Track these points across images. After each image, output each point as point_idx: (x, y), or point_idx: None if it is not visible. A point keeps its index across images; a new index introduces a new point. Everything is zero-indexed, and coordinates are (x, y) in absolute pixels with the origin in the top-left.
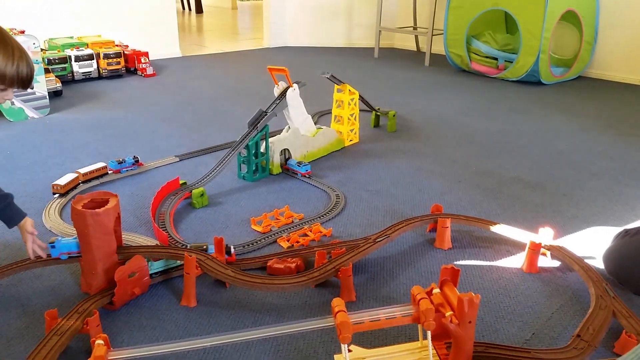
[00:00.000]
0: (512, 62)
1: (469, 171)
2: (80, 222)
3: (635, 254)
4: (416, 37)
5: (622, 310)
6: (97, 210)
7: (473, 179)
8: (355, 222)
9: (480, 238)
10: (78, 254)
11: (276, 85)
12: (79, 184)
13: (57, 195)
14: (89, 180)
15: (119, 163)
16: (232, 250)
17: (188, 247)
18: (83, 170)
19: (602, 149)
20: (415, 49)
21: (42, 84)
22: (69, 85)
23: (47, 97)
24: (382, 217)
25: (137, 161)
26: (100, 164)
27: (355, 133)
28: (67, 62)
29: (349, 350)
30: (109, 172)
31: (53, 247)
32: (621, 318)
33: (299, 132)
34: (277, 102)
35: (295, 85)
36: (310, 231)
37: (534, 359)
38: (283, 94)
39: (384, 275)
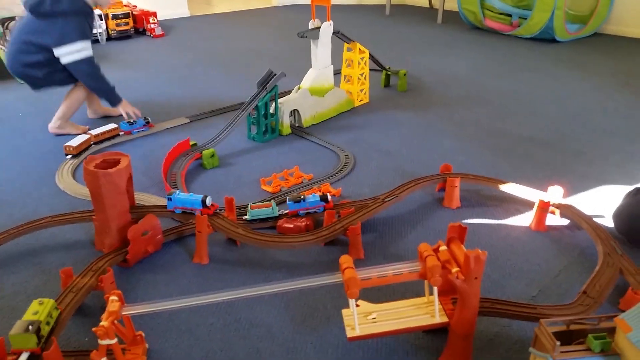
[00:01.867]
0: (526, 18)
1: (480, 130)
2: (93, 182)
3: None
4: None
5: (629, 267)
6: (109, 170)
7: (484, 138)
8: (365, 182)
9: (489, 197)
10: (191, 211)
11: (312, 20)
12: (91, 145)
13: (69, 156)
14: (101, 142)
15: (130, 124)
16: (208, 202)
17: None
18: (95, 132)
19: (616, 107)
20: (428, 6)
21: None
22: None
23: None
24: (391, 177)
25: (148, 122)
26: (112, 125)
27: (365, 93)
28: None
29: (357, 305)
30: (120, 133)
31: (170, 199)
32: (628, 275)
33: (308, 93)
34: (304, 34)
35: (331, 22)
36: (320, 191)
37: (540, 314)
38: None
39: (393, 233)
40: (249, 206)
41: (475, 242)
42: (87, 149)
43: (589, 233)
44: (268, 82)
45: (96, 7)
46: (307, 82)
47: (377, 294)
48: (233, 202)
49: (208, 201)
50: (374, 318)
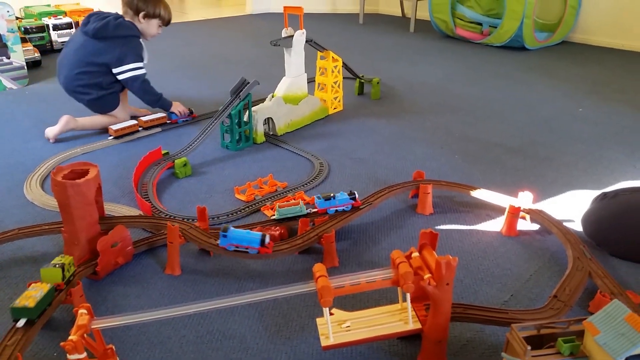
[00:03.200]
0: (496, 27)
1: (452, 137)
2: (61, 193)
3: (613, 216)
4: (401, 2)
5: (597, 271)
6: (77, 180)
7: (455, 144)
8: (339, 190)
9: (461, 203)
10: (245, 250)
11: (285, 29)
12: (137, 130)
13: (111, 137)
14: (149, 128)
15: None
16: (267, 241)
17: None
18: (145, 118)
19: (585, 113)
20: (401, 15)
21: (20, 54)
22: (47, 55)
23: (25, 67)
24: (365, 185)
25: (192, 112)
26: (160, 114)
27: (339, 101)
28: (45, 31)
29: (331, 314)
30: (168, 121)
31: (225, 236)
32: (597, 278)
33: (282, 101)
34: (277, 42)
35: (304, 30)
36: (294, 199)
37: (511, 319)
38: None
39: (367, 241)
40: (277, 205)
41: (448, 248)
42: (131, 133)
43: (558, 237)
44: (241, 90)
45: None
46: (280, 90)
47: (352, 301)
48: (205, 211)
49: (267, 239)
50: (348, 326)
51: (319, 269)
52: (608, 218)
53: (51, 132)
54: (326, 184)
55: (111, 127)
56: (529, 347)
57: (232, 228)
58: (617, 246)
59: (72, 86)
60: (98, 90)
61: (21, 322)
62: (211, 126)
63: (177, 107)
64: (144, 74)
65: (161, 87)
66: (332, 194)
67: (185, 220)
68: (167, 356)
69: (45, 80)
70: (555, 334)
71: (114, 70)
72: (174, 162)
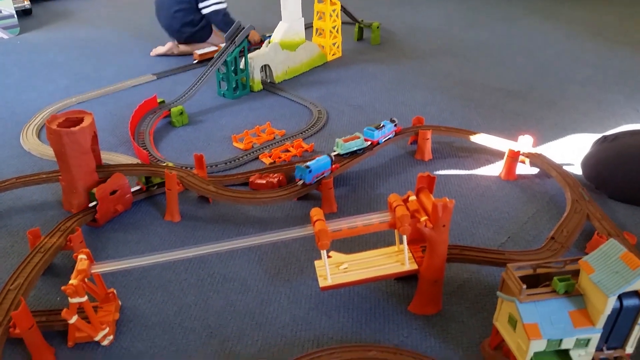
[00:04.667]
0: None
1: (452, 82)
2: (57, 142)
3: (612, 159)
4: None
5: (595, 213)
6: (72, 129)
7: (456, 90)
8: (338, 137)
9: (460, 148)
10: (322, 175)
11: None
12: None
13: (195, 61)
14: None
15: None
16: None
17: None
18: (199, 52)
19: (587, 57)
20: None
21: (9, 2)
22: (38, 3)
23: (16, 16)
24: None
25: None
26: (214, 48)
27: (337, 47)
28: None
29: (329, 257)
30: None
31: (310, 171)
32: (594, 220)
33: (278, 47)
34: None
35: None
36: (292, 147)
37: (507, 260)
38: None
39: (365, 187)
40: (339, 140)
41: (446, 193)
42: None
43: (557, 181)
44: (236, 36)
45: None
46: (277, 35)
47: (350, 245)
48: (203, 159)
49: (333, 158)
50: (346, 268)
51: (316, 212)
52: (607, 161)
53: (156, 51)
54: (325, 131)
55: (196, 51)
56: (524, 286)
57: (309, 164)
58: (616, 189)
59: (172, 26)
60: (191, 27)
61: None
62: (207, 74)
63: (254, 36)
64: (225, 8)
65: (152, 36)
66: (381, 124)
67: (183, 168)
68: (168, 299)
69: (37, 30)
70: (551, 273)
71: (200, 5)
72: (170, 110)
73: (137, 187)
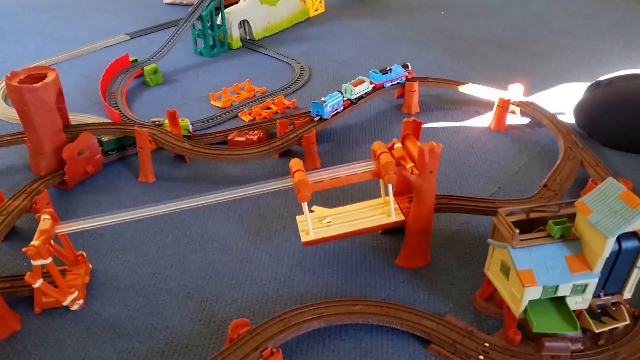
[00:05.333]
0: None
1: (441, 35)
2: (18, 100)
3: (606, 105)
4: None
5: (589, 159)
6: (34, 85)
7: (444, 42)
8: (321, 93)
9: (448, 101)
10: (336, 111)
11: None
12: None
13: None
14: None
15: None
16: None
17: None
18: None
19: (577, 7)
20: None
21: None
22: None
23: None
24: None
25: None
26: None
27: (320, 2)
28: None
29: (311, 211)
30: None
31: (326, 105)
32: (588, 167)
33: (257, 2)
34: None
35: None
36: (273, 104)
37: (498, 208)
38: None
39: (350, 142)
40: (348, 85)
41: None
42: None
43: (550, 129)
44: None
45: None
46: None
47: (335, 201)
48: (176, 115)
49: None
50: (329, 222)
51: (295, 163)
52: (601, 107)
53: None
54: (307, 88)
55: None
56: (517, 231)
57: (324, 98)
58: (610, 135)
59: None
60: None
61: None
62: (181, 29)
63: None
64: None
65: None
66: (387, 67)
67: (156, 124)
68: (142, 260)
69: None
70: (545, 217)
71: None
72: (143, 69)
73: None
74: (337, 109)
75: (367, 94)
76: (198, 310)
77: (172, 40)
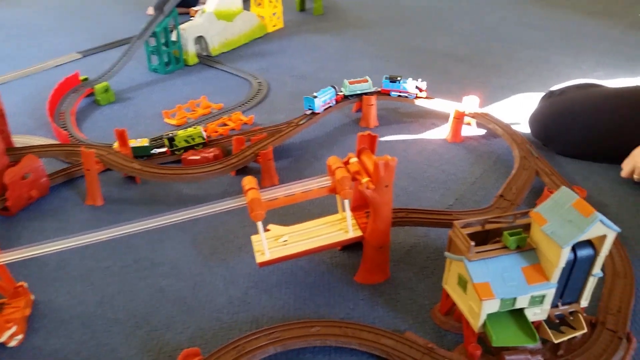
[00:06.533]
0: None
1: (399, 49)
2: None
3: (559, 114)
4: None
5: (544, 168)
6: None
7: (402, 56)
8: (279, 108)
9: (406, 114)
10: (329, 105)
11: None
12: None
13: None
14: None
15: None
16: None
17: None
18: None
19: (529, 19)
20: None
21: None
22: None
23: None
24: None
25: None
26: None
27: (278, 17)
28: None
29: (267, 230)
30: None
31: (316, 97)
32: (544, 176)
33: (213, 17)
34: None
35: None
36: (230, 120)
37: (456, 219)
38: None
39: (308, 157)
40: (346, 81)
41: None
42: None
43: (505, 139)
44: (166, 5)
45: None
46: (211, 4)
47: (293, 218)
48: (125, 134)
49: (336, 89)
50: (285, 240)
51: (248, 181)
52: (554, 116)
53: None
54: (265, 104)
55: (192, 8)
56: (472, 243)
57: (316, 93)
58: (564, 144)
59: None
60: None
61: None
62: (133, 47)
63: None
64: None
65: (78, 12)
66: (398, 77)
67: (104, 146)
68: (89, 289)
69: None
70: (501, 228)
71: None
72: (94, 88)
73: (162, 150)
74: (329, 104)
75: (365, 93)
76: (147, 340)
77: (125, 57)
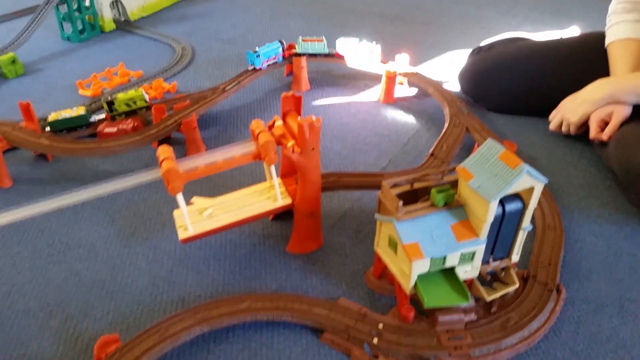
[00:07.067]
0: None
1: (329, 9)
2: None
3: (488, 69)
4: None
5: (475, 125)
6: None
7: (333, 16)
8: (205, 75)
9: (338, 76)
10: (274, 61)
11: None
12: None
13: None
14: None
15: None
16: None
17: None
18: None
19: None
20: None
21: None
22: None
23: None
24: (235, 67)
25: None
26: None
27: None
28: None
29: (190, 203)
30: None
31: (258, 56)
32: (474, 132)
33: None
34: None
35: None
36: (151, 88)
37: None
38: None
39: (238, 124)
40: (300, 39)
41: (326, 122)
42: None
43: (436, 97)
44: None
45: None
46: None
47: (222, 189)
48: (30, 108)
49: (285, 44)
50: (210, 213)
51: (163, 151)
52: (483, 72)
53: None
54: (190, 70)
55: None
56: (400, 203)
57: (259, 48)
58: (493, 99)
59: None
60: None
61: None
62: (41, 14)
63: None
64: None
65: None
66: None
67: (10, 122)
68: None
69: None
70: (430, 187)
71: None
72: None
73: (101, 116)
74: (274, 59)
75: (318, 55)
76: (62, 330)
77: (32, 25)
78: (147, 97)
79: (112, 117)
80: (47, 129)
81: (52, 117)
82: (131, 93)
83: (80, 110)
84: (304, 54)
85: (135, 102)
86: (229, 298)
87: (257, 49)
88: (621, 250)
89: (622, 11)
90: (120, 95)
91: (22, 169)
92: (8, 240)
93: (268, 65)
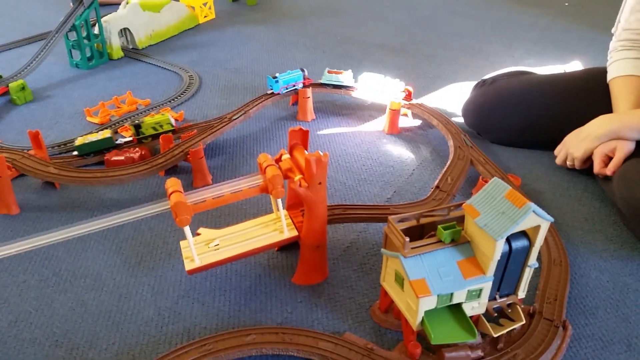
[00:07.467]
0: None
1: (333, 40)
2: None
3: (491, 102)
4: None
5: (479, 158)
6: None
7: (338, 48)
8: (212, 104)
9: (343, 106)
10: (294, 87)
11: None
12: None
13: None
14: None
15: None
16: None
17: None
18: None
19: (462, 9)
20: None
21: None
22: None
23: None
24: (241, 95)
25: None
26: None
27: (210, 8)
28: None
29: (197, 234)
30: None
31: (277, 81)
32: (478, 165)
33: (138, 8)
34: None
35: None
36: (162, 113)
37: (393, 214)
38: None
39: (244, 154)
40: (325, 71)
41: (331, 153)
42: None
43: (440, 129)
44: None
45: None
46: None
47: (228, 219)
48: (39, 136)
49: (306, 72)
50: (217, 245)
51: (172, 184)
52: (486, 105)
53: None
54: (197, 98)
55: None
56: (407, 239)
57: (279, 75)
58: (496, 132)
59: None
60: None
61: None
62: (52, 41)
63: None
64: None
65: None
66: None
67: (19, 150)
68: (2, 307)
69: None
70: (436, 222)
71: None
72: (8, 86)
73: (128, 139)
74: (294, 86)
75: (341, 86)
76: None
77: (42, 53)
78: (173, 121)
79: (139, 140)
80: (75, 152)
81: (79, 141)
82: (158, 117)
83: (107, 134)
84: (329, 85)
85: (162, 126)
86: (235, 331)
87: (276, 74)
88: (627, 287)
89: (623, 48)
90: (147, 119)
91: (30, 196)
92: (14, 268)
93: (286, 91)
